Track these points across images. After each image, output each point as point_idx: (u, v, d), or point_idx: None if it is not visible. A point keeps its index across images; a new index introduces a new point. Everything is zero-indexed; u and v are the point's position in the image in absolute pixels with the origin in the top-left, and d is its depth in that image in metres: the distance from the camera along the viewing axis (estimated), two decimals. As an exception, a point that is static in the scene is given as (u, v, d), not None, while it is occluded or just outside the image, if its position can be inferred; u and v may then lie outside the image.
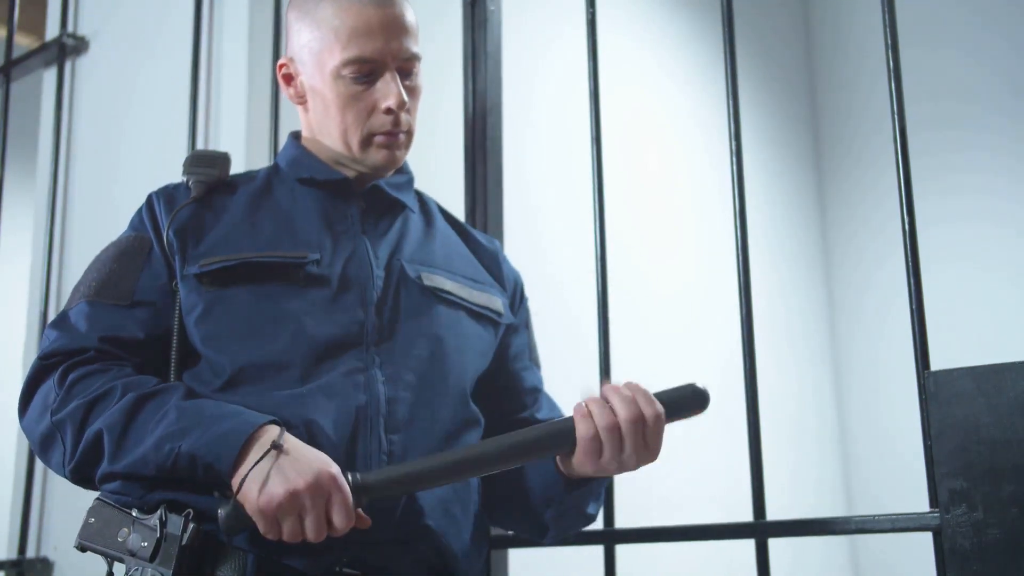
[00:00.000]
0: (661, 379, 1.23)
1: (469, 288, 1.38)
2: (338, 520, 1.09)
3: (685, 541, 1.50)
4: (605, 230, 1.63)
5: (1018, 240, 3.50)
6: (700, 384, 1.18)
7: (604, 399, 1.16)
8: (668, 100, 3.38)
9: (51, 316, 2.21)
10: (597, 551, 1.57)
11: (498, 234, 1.81)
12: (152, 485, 1.14)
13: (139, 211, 1.33)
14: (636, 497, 2.10)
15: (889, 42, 1.36)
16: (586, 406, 1.16)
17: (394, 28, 1.30)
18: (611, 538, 1.52)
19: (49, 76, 2.42)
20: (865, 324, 3.84)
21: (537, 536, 1.40)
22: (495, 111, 1.87)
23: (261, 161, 1.93)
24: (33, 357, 1.28)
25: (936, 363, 1.26)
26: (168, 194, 1.33)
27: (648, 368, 1.38)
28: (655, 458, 1.17)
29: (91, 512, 1.15)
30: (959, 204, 3.55)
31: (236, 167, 1.52)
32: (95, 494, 1.18)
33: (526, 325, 1.49)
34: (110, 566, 1.14)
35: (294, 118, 1.47)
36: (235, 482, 1.08)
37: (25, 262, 2.40)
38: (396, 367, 1.26)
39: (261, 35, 2.03)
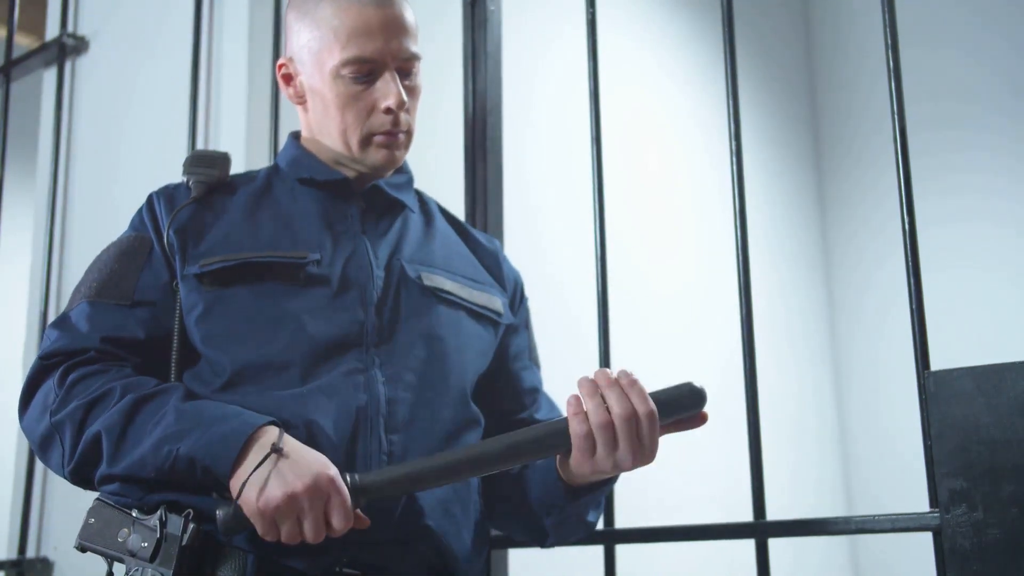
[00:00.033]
0: (661, 379, 1.22)
1: (469, 288, 1.38)
2: (336, 522, 1.08)
3: (685, 541, 1.50)
4: (605, 230, 1.63)
5: (1018, 240, 3.49)
6: (697, 383, 1.17)
7: (597, 392, 1.14)
8: (668, 100, 3.37)
9: (51, 316, 2.21)
10: (597, 551, 1.57)
11: (498, 234, 1.81)
12: (151, 487, 1.14)
13: (139, 211, 1.33)
14: (636, 497, 2.10)
15: (889, 42, 1.36)
16: (579, 402, 1.14)
17: (394, 28, 1.29)
18: (611, 538, 1.52)
19: (49, 76, 2.42)
20: (865, 324, 3.84)
21: (537, 542, 1.41)
22: (495, 111, 1.87)
23: (261, 161, 1.93)
24: (33, 357, 1.28)
25: (936, 363, 1.26)
26: (168, 194, 1.33)
27: (648, 368, 1.37)
28: (652, 459, 1.16)
29: (91, 512, 1.15)
30: (959, 204, 3.54)
31: (236, 167, 1.52)
32: (95, 494, 1.18)
33: (526, 325, 1.49)
34: (110, 566, 1.14)
35: (294, 118, 1.47)
36: (234, 485, 1.08)
37: (25, 262, 2.40)
38: (396, 367, 1.26)
39: (261, 35, 2.03)
